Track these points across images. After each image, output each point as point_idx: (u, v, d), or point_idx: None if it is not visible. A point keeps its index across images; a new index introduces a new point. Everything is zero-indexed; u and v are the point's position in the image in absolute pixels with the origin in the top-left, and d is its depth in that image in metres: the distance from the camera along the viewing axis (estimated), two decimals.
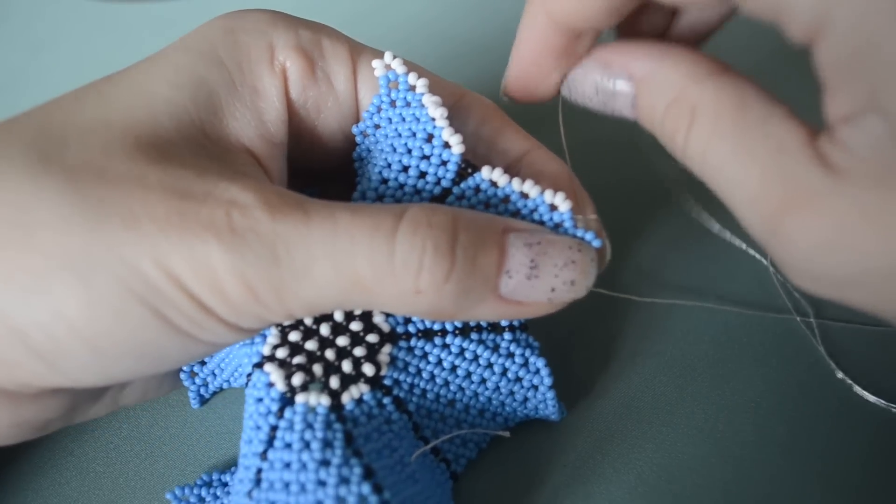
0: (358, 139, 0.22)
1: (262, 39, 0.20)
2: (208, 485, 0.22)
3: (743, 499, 0.22)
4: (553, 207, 0.20)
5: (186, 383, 0.24)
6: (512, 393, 0.22)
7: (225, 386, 0.24)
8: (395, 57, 0.21)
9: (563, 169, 0.22)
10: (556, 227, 0.20)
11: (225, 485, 0.22)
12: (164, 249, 0.17)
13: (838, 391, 0.24)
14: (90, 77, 0.20)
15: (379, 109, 0.21)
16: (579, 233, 0.20)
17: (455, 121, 0.22)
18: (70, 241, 0.17)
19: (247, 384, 0.21)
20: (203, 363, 0.24)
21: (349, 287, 0.18)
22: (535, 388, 0.22)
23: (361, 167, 0.22)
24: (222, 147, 0.20)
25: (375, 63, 0.21)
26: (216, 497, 0.22)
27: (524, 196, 0.20)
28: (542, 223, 0.20)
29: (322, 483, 0.18)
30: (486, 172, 0.20)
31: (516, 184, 0.20)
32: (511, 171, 0.22)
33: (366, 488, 0.18)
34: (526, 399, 0.22)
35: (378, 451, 0.19)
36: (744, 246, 0.28)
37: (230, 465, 0.23)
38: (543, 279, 0.19)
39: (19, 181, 0.17)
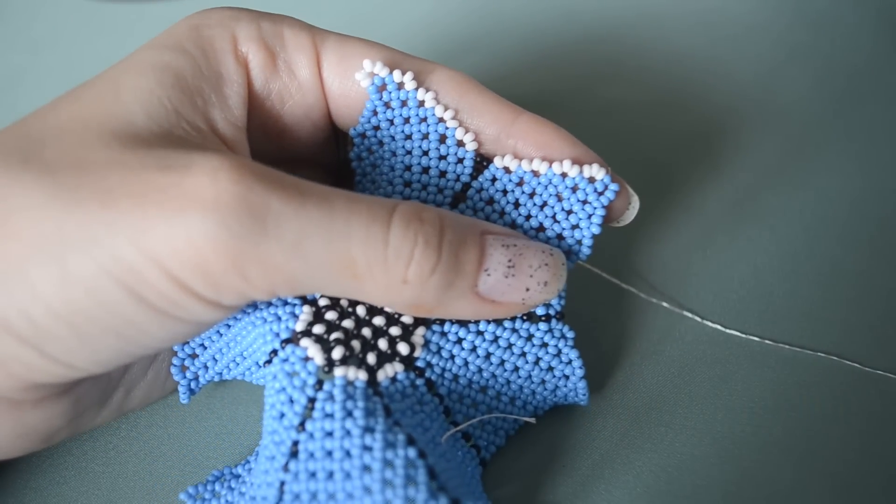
0: (356, 140, 0.23)
1: (225, 31, 0.21)
2: (220, 479, 0.22)
3: (743, 499, 0.22)
4: (564, 175, 0.21)
5: (177, 377, 0.23)
6: (543, 382, 0.22)
7: (216, 378, 0.24)
8: (374, 63, 0.21)
9: (556, 129, 0.22)
10: (574, 191, 0.21)
11: (237, 477, 0.22)
12: (142, 227, 0.17)
13: (838, 390, 0.24)
14: (90, 77, 0.20)
15: (375, 112, 0.22)
16: (598, 185, 0.21)
17: (441, 99, 0.22)
18: (44, 224, 0.17)
19: (266, 363, 0.21)
20: (194, 356, 0.23)
21: (338, 270, 0.18)
22: (567, 377, 0.22)
23: (362, 167, 0.23)
24: (195, 128, 0.20)
25: (358, 76, 0.22)
26: (231, 489, 0.21)
27: (536, 174, 0.21)
28: (559, 196, 0.22)
29: (368, 448, 0.18)
30: (498, 161, 0.22)
31: (525, 164, 0.21)
32: (503, 140, 0.22)
33: (412, 452, 0.18)
34: (556, 388, 0.23)
35: (413, 427, 0.20)
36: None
37: (230, 464, 0.23)
38: (520, 279, 0.20)
39: (0, 182, 0.17)
